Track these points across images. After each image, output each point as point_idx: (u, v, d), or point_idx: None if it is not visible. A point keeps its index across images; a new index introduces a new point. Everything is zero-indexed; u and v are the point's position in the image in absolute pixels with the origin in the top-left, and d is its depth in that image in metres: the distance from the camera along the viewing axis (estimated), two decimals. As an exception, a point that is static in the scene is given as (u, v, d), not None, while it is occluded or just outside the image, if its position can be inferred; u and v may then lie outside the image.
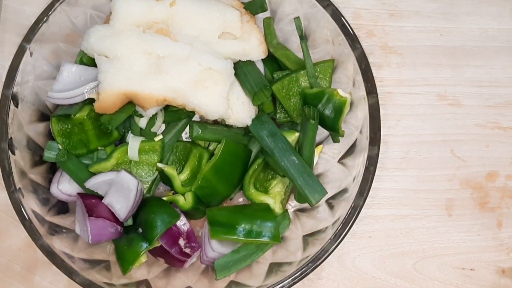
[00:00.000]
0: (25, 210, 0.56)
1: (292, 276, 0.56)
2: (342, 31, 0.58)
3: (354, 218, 0.56)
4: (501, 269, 0.64)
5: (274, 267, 0.59)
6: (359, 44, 0.58)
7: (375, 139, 0.57)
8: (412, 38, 0.68)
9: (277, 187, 0.62)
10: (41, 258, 0.64)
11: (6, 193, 0.56)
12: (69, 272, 0.56)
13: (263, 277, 0.58)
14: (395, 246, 0.65)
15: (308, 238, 0.60)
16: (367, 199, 0.65)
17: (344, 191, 0.59)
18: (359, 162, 0.58)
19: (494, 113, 0.67)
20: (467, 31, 0.68)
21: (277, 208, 0.61)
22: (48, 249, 0.56)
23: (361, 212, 0.65)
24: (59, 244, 0.58)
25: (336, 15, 0.58)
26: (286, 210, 0.62)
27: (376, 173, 0.65)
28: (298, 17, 0.60)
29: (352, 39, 0.58)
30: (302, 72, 0.60)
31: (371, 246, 0.65)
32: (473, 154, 0.66)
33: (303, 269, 0.56)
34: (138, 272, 0.61)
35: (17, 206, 0.56)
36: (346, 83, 0.60)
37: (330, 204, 0.61)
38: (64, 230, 0.60)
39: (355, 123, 0.59)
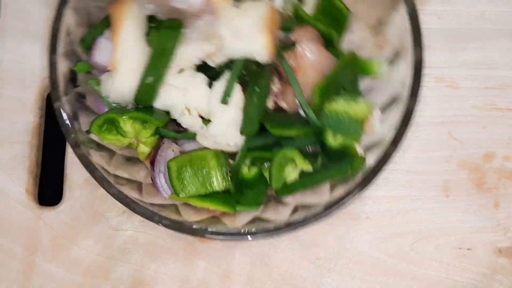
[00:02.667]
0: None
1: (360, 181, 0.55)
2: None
3: (409, 122, 0.55)
4: (498, 248, 0.65)
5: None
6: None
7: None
8: (410, 21, 0.69)
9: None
10: (41, 241, 0.65)
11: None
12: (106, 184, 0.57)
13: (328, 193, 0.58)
14: (392, 227, 0.65)
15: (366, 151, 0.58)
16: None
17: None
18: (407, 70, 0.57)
19: (490, 95, 0.68)
20: (464, 14, 0.69)
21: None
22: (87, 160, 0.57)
23: (358, 193, 0.65)
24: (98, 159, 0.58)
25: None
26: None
27: (374, 154, 0.66)
28: None
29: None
30: None
31: (369, 227, 0.65)
32: (470, 136, 0.67)
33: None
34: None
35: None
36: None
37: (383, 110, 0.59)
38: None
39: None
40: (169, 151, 0.62)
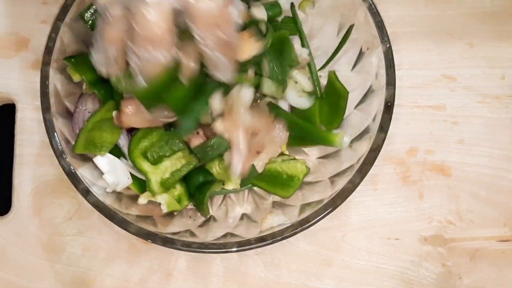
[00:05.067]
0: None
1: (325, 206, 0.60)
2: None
3: (378, 151, 0.60)
4: (424, 237, 0.69)
5: (305, 207, 0.63)
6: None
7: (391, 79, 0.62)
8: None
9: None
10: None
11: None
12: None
13: (297, 213, 0.62)
14: (325, 220, 0.68)
15: (334, 178, 0.63)
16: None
17: (364, 132, 0.63)
18: (376, 104, 0.62)
19: (412, 93, 0.72)
20: (386, 18, 0.73)
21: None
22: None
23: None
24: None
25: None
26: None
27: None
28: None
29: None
30: None
31: (303, 222, 0.69)
32: (395, 132, 0.71)
33: (334, 200, 0.60)
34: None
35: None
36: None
37: (352, 147, 0.64)
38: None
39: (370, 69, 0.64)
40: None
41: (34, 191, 0.70)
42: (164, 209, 0.62)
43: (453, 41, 0.74)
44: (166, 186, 0.62)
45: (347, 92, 0.64)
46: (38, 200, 0.70)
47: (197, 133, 0.62)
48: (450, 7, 0.74)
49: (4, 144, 0.74)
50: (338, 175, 0.63)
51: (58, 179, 0.70)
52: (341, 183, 0.61)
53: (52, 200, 0.70)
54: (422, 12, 0.74)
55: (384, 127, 0.60)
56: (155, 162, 0.62)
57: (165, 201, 0.62)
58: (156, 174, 0.62)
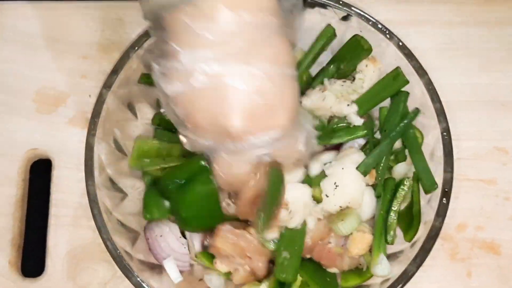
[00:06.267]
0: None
1: None
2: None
3: (435, 239, 0.58)
4: (471, 318, 0.67)
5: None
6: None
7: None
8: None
9: None
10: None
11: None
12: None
13: None
14: None
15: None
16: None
17: None
18: None
19: (463, 165, 0.69)
20: (437, 86, 0.71)
21: None
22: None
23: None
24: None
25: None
26: None
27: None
28: None
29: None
30: None
31: (347, 298, 0.67)
32: (443, 206, 0.69)
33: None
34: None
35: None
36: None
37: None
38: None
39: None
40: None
41: (69, 254, 0.68)
42: None
43: (506, 112, 0.71)
44: None
45: (419, 199, 0.61)
46: (73, 263, 0.68)
47: None
48: (505, 77, 0.72)
49: (38, 201, 0.72)
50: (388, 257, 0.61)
51: (94, 242, 0.68)
52: (392, 268, 0.58)
53: (87, 265, 0.68)
54: (475, 80, 0.72)
55: (441, 214, 0.58)
56: None
57: None
58: None
